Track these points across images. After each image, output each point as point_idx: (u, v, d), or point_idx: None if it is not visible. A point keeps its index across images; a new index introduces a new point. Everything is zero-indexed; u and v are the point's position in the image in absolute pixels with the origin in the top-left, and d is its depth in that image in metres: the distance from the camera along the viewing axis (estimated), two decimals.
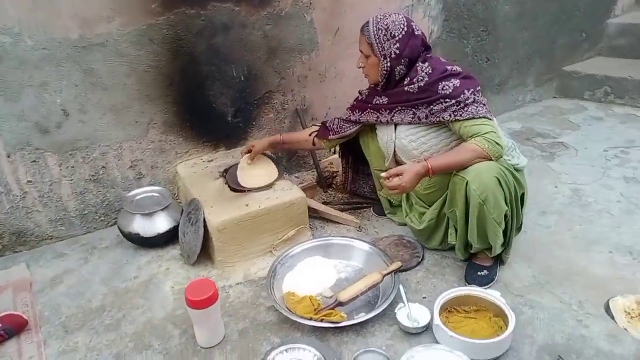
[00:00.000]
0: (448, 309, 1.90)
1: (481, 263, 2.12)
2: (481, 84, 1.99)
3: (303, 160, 2.89)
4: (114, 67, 2.19)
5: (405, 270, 2.16)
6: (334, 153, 2.70)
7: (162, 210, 2.26)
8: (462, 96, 1.92)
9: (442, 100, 1.95)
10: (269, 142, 2.38)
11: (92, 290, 2.14)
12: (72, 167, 2.29)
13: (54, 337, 1.90)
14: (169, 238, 2.30)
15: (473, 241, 1.98)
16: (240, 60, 2.46)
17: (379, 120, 2.18)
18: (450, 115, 1.95)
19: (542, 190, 2.76)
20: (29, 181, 2.22)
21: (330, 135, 2.35)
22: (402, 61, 2.01)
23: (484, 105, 1.94)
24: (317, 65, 2.68)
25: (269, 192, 2.28)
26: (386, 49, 2.00)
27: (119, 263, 2.28)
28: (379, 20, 2.02)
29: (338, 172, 2.79)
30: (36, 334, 1.88)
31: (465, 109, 1.92)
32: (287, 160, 2.83)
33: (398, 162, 2.25)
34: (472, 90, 1.93)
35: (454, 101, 1.93)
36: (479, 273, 2.10)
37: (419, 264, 2.22)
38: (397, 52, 1.99)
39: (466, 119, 1.92)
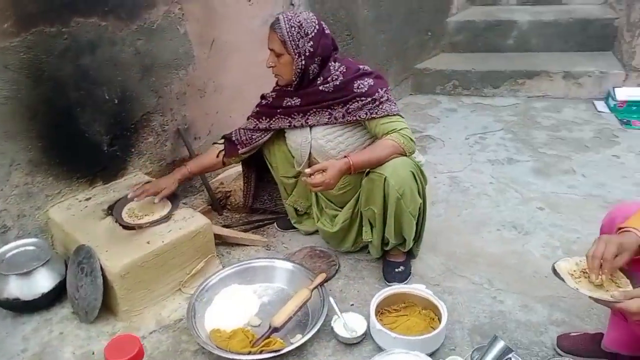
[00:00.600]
0: (380, 311, 1.91)
1: (395, 259, 2.17)
2: None
3: (188, 184, 2.68)
4: None
5: (327, 281, 2.12)
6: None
7: (42, 265, 1.92)
8: (376, 94, 1.94)
9: (358, 99, 1.95)
10: (176, 179, 2.14)
11: None
12: None
13: None
14: (55, 297, 1.97)
15: (390, 236, 2.01)
16: (112, 81, 2.19)
17: (291, 124, 2.11)
18: (366, 114, 1.95)
19: None
20: None
21: (239, 149, 2.22)
22: (316, 59, 1.97)
23: (395, 103, 1.99)
24: (195, 80, 2.51)
25: (168, 223, 2.07)
26: (300, 46, 1.94)
27: None
28: (290, 17, 1.95)
29: (230, 191, 2.65)
30: None
31: (380, 106, 1.94)
32: None
33: (311, 164, 2.20)
34: (384, 88, 1.97)
35: (369, 99, 1.94)
36: (396, 270, 2.14)
37: (337, 271, 2.20)
38: (311, 49, 1.95)
39: (381, 117, 1.94)
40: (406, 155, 1.93)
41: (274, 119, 2.16)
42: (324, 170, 1.84)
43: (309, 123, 2.08)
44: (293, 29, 1.94)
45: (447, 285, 2.12)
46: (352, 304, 2.03)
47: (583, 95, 3.91)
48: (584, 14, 4.16)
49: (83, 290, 1.88)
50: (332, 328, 1.85)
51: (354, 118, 1.99)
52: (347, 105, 1.99)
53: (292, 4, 2.84)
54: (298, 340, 1.77)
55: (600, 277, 1.34)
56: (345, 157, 1.89)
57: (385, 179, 1.87)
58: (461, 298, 2.05)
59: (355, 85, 1.97)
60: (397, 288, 1.96)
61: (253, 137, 2.21)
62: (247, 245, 2.37)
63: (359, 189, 2.10)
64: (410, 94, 4.17)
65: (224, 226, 2.46)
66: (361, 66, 2.04)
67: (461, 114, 3.76)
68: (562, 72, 3.88)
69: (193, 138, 2.60)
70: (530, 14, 4.22)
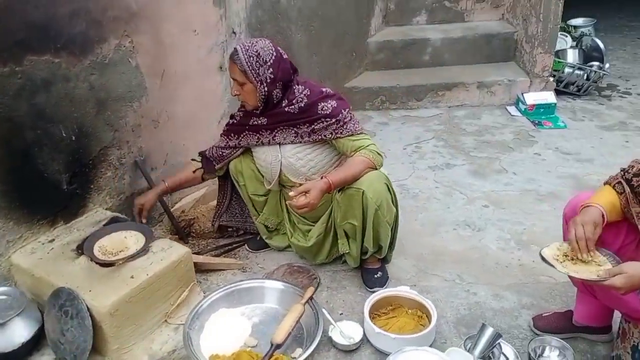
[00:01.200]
0: (371, 315, 1.99)
1: (372, 266, 2.28)
2: None
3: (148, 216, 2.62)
4: None
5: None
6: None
7: (17, 315, 1.80)
8: (340, 115, 2.04)
9: (323, 120, 2.05)
10: (155, 194, 2.24)
11: None
12: None
13: None
14: (33, 346, 1.85)
15: (369, 246, 2.12)
16: (68, 117, 2.11)
17: (260, 141, 2.17)
18: (332, 133, 2.06)
19: None
20: None
21: (215, 164, 2.30)
22: (277, 84, 2.04)
23: (357, 121, 2.10)
24: (149, 112, 2.47)
25: (147, 255, 2.02)
26: (260, 74, 2.00)
27: None
28: (247, 47, 2.01)
29: (194, 218, 2.63)
30: None
31: (345, 126, 2.05)
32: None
33: (282, 182, 2.26)
34: (347, 109, 2.08)
35: (333, 119, 2.04)
36: (375, 276, 2.25)
37: (319, 284, 2.26)
38: (272, 76, 2.02)
39: (347, 136, 2.05)
40: (376, 169, 2.06)
41: (242, 136, 2.22)
42: (306, 192, 1.91)
43: (277, 140, 2.15)
44: (252, 58, 2.01)
45: (424, 285, 2.25)
46: (342, 313, 2.10)
47: (496, 102, 4.30)
48: (486, 29, 4.59)
49: (70, 333, 1.78)
50: (329, 338, 1.91)
51: (320, 137, 2.09)
52: (312, 125, 2.08)
53: (234, 32, 2.89)
54: (301, 353, 1.80)
55: (590, 254, 1.51)
56: (323, 177, 1.97)
57: (363, 192, 1.98)
58: (439, 295, 2.19)
59: (320, 107, 2.07)
60: (384, 292, 2.06)
61: (224, 154, 2.29)
62: (223, 270, 2.36)
63: (329, 204, 2.19)
64: None
65: (195, 253, 2.42)
66: (323, 89, 2.15)
67: (393, 126, 3.98)
68: (476, 83, 4.25)
69: (150, 169, 2.55)
70: (440, 31, 4.58)
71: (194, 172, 2.33)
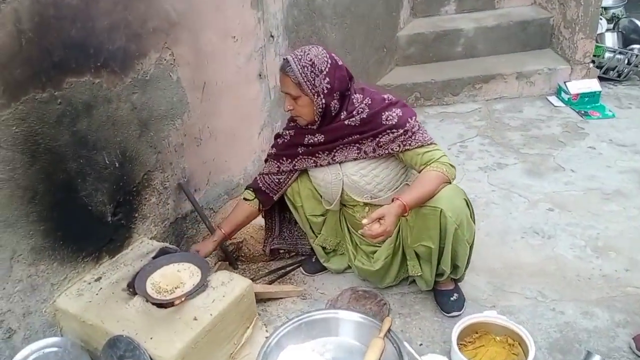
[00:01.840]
0: (457, 346, 1.80)
1: (446, 288, 2.09)
2: None
3: (191, 240, 2.44)
4: None
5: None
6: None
7: None
8: (407, 124, 1.84)
9: (389, 131, 1.84)
10: (215, 245, 2.04)
11: None
12: None
13: None
14: None
15: (446, 268, 1.92)
16: (111, 143, 1.92)
17: (317, 164, 1.97)
18: (399, 146, 1.85)
19: None
20: None
21: (272, 196, 2.09)
22: (335, 95, 1.84)
23: (426, 130, 1.90)
24: (191, 129, 2.28)
25: (207, 292, 1.84)
26: (317, 85, 1.80)
27: None
28: (300, 56, 1.81)
29: (241, 241, 2.44)
30: None
31: (413, 137, 1.85)
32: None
33: (342, 202, 2.07)
34: (414, 117, 1.88)
35: (401, 130, 1.84)
36: (451, 299, 2.06)
37: (390, 311, 2.07)
38: (329, 86, 1.81)
39: (416, 147, 1.85)
40: (450, 183, 1.86)
41: (297, 160, 2.02)
42: (380, 219, 1.71)
43: (336, 160, 1.95)
44: (306, 68, 1.81)
45: (504, 305, 2.07)
46: (421, 344, 1.92)
47: (536, 92, 4.09)
48: (520, 16, 4.35)
49: None
50: None
51: (386, 151, 1.89)
52: (377, 139, 1.88)
53: (272, 36, 2.69)
54: None
55: None
56: (395, 199, 1.76)
57: (441, 211, 1.78)
58: (523, 316, 2.00)
59: (384, 116, 1.87)
60: (471, 319, 1.86)
61: (280, 181, 2.06)
62: (282, 298, 2.18)
63: (397, 222, 1.99)
64: None
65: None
66: (385, 95, 1.94)
67: (432, 124, 3.78)
68: (515, 73, 4.03)
69: (193, 190, 2.37)
70: (471, 20, 4.36)
71: (249, 206, 2.13)
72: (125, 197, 2.05)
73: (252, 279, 2.26)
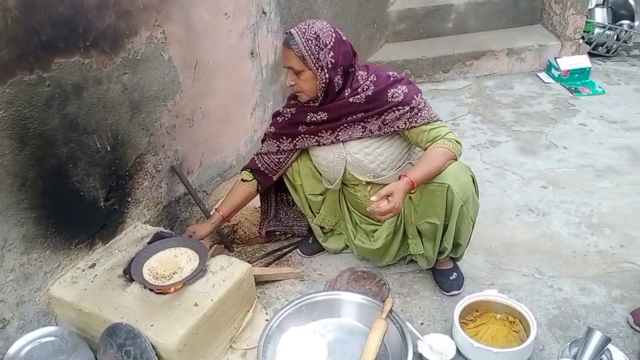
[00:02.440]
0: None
1: (446, 267, 2.08)
2: None
3: (185, 223, 2.40)
4: None
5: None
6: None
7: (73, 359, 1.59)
8: (413, 101, 1.81)
9: (395, 108, 1.81)
10: (212, 227, 1.98)
11: None
12: None
13: None
14: None
15: (448, 245, 1.91)
16: (103, 126, 1.86)
17: (319, 143, 1.93)
18: (405, 123, 1.82)
19: None
20: None
21: (271, 177, 2.04)
22: (339, 70, 1.79)
23: (431, 107, 1.87)
24: (183, 110, 2.22)
25: (206, 277, 1.81)
26: (321, 59, 1.75)
27: None
28: (304, 29, 1.76)
29: (237, 223, 2.40)
30: None
31: (419, 114, 1.82)
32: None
33: (344, 181, 2.04)
34: (419, 94, 1.84)
35: (407, 107, 1.80)
36: (450, 278, 2.06)
37: (389, 291, 2.07)
38: (333, 60, 1.76)
39: (422, 124, 1.82)
40: (456, 160, 1.84)
41: (298, 139, 1.97)
42: (388, 196, 1.68)
43: (340, 139, 1.92)
44: (310, 42, 1.76)
45: (502, 283, 2.07)
46: (422, 323, 1.92)
47: (525, 69, 4.08)
48: None
49: None
50: (418, 355, 1.73)
51: (392, 129, 1.86)
52: (383, 116, 1.84)
53: (264, 12, 2.62)
54: None
55: None
56: (403, 176, 1.73)
57: (448, 187, 1.76)
58: (522, 293, 2.01)
59: (390, 94, 1.83)
60: (472, 298, 1.86)
61: (280, 161, 2.02)
62: (280, 280, 2.16)
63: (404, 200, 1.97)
64: None
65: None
66: (390, 72, 1.90)
67: None
68: (505, 50, 4.01)
69: (186, 172, 2.31)
70: None
71: (246, 187, 2.07)
72: (117, 182, 1.99)
73: (249, 262, 2.25)
